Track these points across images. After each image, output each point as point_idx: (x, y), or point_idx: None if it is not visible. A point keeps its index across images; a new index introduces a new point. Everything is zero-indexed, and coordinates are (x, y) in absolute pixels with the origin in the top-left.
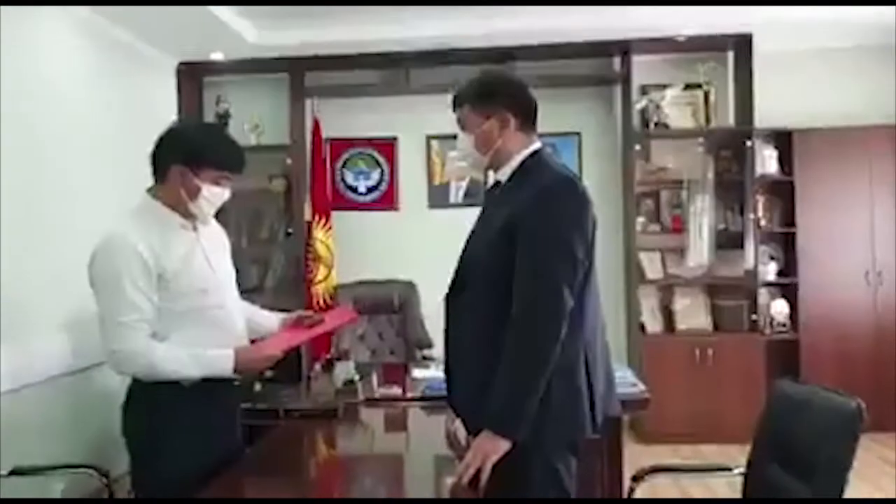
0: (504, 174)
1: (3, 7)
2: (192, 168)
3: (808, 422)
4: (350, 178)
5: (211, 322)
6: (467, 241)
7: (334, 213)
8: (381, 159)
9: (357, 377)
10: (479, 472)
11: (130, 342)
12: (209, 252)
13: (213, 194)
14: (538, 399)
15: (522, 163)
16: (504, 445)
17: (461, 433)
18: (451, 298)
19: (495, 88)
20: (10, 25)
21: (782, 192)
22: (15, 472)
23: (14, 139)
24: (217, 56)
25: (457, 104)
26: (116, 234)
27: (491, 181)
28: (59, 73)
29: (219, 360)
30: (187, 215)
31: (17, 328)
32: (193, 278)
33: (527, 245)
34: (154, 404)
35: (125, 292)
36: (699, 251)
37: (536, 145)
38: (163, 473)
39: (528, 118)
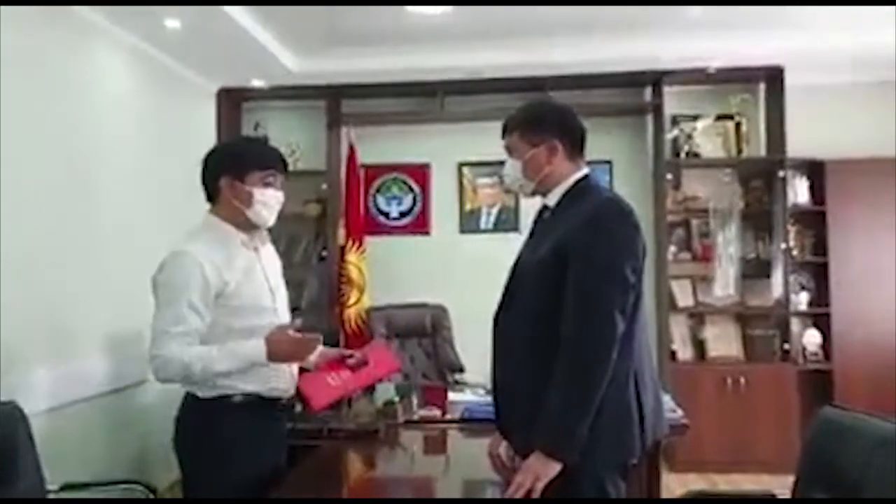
0: (552, 199)
1: (51, 30)
2: (237, 175)
3: (854, 447)
4: (383, 204)
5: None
6: (515, 264)
7: (367, 238)
8: (414, 185)
9: (397, 399)
10: (528, 493)
11: (167, 349)
12: (268, 273)
13: (267, 196)
14: (589, 421)
15: (571, 188)
16: (555, 467)
17: (507, 456)
18: (498, 320)
19: (544, 116)
20: (56, 49)
21: (813, 221)
22: (65, 488)
23: (61, 163)
24: (257, 82)
25: (506, 131)
26: (183, 250)
27: (525, 204)
28: (104, 98)
29: (252, 350)
30: (248, 228)
31: (60, 348)
32: (253, 294)
33: (578, 269)
34: (205, 420)
35: (178, 306)
36: (726, 280)
37: (584, 171)
38: (213, 488)
39: (576, 145)
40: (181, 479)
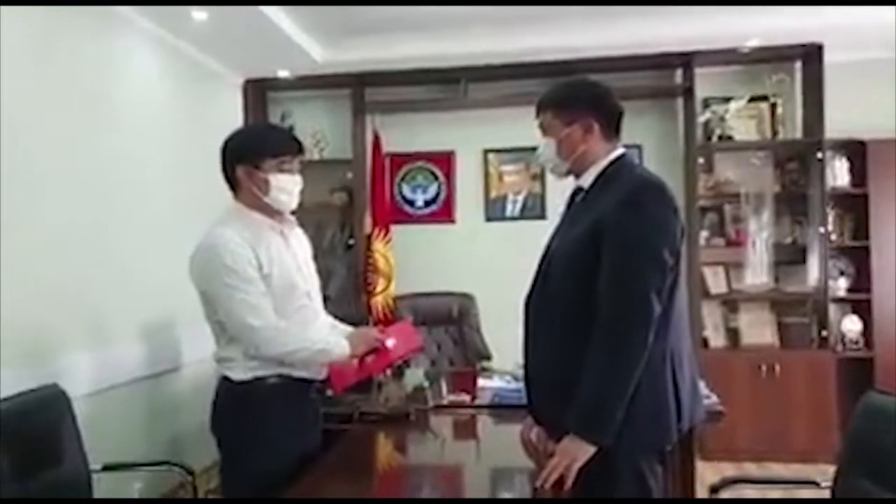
0: (587, 180)
1: (80, 22)
2: (253, 163)
3: None
4: (408, 192)
5: (301, 321)
6: (548, 247)
7: (392, 227)
8: (439, 173)
9: (427, 384)
10: (562, 477)
11: (266, 318)
12: (298, 257)
13: (283, 181)
14: (625, 404)
15: (606, 168)
16: (590, 450)
17: (539, 440)
18: (531, 304)
19: (580, 94)
20: (85, 41)
21: (854, 204)
22: (106, 468)
23: (91, 153)
24: (283, 73)
25: (540, 109)
26: (223, 234)
27: (552, 191)
28: (131, 89)
29: (343, 351)
30: (272, 214)
31: (99, 335)
32: (284, 275)
33: (614, 249)
34: (241, 403)
35: (246, 275)
36: (760, 266)
37: (620, 151)
38: (251, 469)
39: (611, 124)
40: (220, 461)
